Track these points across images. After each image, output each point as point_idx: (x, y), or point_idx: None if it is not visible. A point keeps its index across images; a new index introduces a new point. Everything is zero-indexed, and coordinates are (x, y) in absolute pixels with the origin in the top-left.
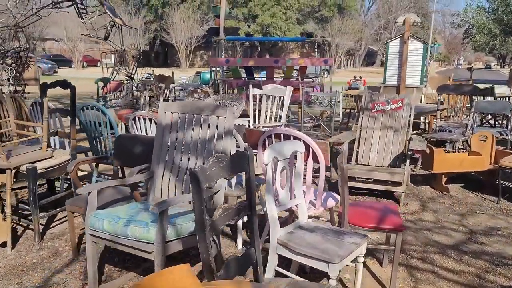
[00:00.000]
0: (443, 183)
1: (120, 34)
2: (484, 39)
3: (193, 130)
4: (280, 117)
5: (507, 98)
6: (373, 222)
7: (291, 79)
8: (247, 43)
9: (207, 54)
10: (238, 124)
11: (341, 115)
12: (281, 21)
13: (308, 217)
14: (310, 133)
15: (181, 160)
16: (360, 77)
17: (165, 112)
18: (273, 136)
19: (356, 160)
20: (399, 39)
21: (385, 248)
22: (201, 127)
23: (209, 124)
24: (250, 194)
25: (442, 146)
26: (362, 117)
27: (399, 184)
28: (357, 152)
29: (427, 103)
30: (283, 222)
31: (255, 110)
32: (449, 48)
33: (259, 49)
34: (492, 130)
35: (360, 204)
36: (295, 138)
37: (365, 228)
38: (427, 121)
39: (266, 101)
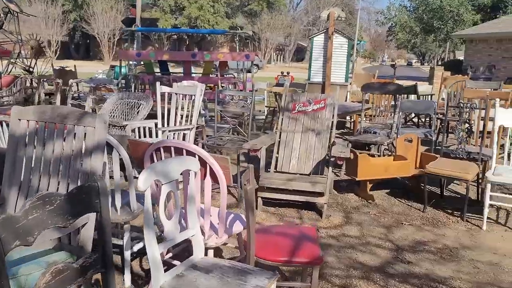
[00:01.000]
0: (368, 190)
1: (15, 22)
2: (406, 37)
3: (54, 143)
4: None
5: (429, 97)
6: (285, 254)
7: (211, 75)
8: (175, 36)
9: (131, 47)
10: (130, 132)
11: (265, 113)
12: (209, 14)
13: (210, 248)
14: (226, 137)
15: (39, 183)
16: (288, 73)
17: (19, 120)
18: (162, 149)
19: (276, 167)
20: (323, 34)
21: (300, 285)
22: (64, 140)
23: (74, 135)
24: (104, 243)
25: (366, 149)
26: (282, 119)
27: (321, 194)
28: (277, 158)
29: (352, 101)
30: (181, 252)
31: (163, 108)
32: (374, 45)
33: (187, 43)
34: (417, 131)
35: (271, 231)
36: (189, 152)
37: (275, 263)
38: (352, 120)
39: (176, 101)
